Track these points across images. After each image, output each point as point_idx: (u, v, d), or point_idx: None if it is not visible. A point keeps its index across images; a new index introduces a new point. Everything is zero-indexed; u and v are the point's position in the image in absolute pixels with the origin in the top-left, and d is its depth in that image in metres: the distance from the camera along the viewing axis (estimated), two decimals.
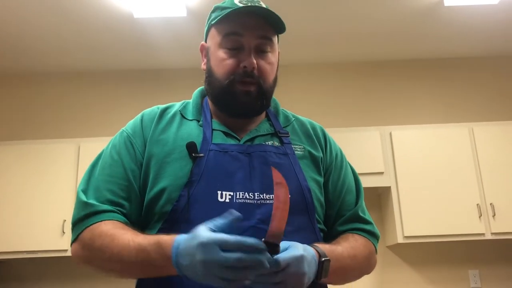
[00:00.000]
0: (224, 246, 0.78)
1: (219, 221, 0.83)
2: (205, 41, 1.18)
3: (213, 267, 0.78)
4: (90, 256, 0.99)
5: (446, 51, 4.01)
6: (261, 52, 1.09)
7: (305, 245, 0.91)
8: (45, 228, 3.31)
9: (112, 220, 0.99)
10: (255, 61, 1.06)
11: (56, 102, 4.02)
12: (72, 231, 1.03)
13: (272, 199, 1.00)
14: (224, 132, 1.10)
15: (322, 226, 1.11)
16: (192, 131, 1.09)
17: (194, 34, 3.27)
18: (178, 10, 3.18)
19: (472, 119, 3.83)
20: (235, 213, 0.83)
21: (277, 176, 0.85)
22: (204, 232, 0.81)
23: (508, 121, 3.66)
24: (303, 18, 3.41)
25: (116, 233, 0.95)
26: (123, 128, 1.15)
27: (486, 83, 4.06)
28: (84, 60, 3.91)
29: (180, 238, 0.86)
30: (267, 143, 1.10)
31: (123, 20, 3.33)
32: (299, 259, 0.84)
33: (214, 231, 0.82)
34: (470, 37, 3.79)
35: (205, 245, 0.79)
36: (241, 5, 1.07)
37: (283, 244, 0.85)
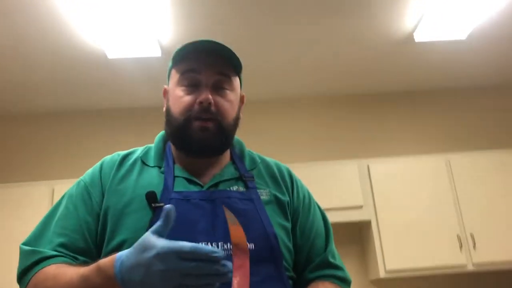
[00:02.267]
0: (180, 254, 0.75)
1: (158, 224, 0.80)
2: (168, 85, 1.17)
3: (174, 276, 0.75)
4: None
5: (420, 83, 4.09)
6: (219, 89, 1.08)
7: None
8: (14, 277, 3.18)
9: (57, 263, 0.94)
10: (211, 97, 1.04)
11: (29, 144, 3.95)
12: (19, 284, 0.98)
13: None
14: (186, 179, 1.07)
15: (291, 274, 1.07)
16: (152, 179, 1.06)
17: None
18: (152, 50, 3.19)
19: (449, 150, 3.88)
20: (167, 207, 0.80)
21: (229, 215, 0.82)
22: (157, 241, 0.77)
23: (484, 150, 3.71)
24: (277, 52, 3.45)
25: (59, 272, 0.91)
26: (81, 178, 1.11)
27: (460, 114, 4.13)
28: (57, 100, 3.87)
29: (122, 254, 0.82)
30: (231, 188, 1.07)
31: (96, 61, 3.32)
32: None
33: (161, 236, 0.79)
34: (442, 70, 3.88)
35: (162, 255, 0.75)
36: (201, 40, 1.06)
37: None
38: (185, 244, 0.75)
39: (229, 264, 0.77)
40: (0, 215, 3.36)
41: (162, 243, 0.77)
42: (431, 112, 4.14)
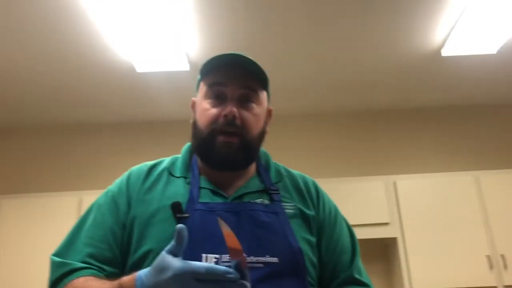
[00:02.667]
0: (196, 275, 0.76)
1: (172, 244, 0.82)
2: (196, 97, 1.18)
3: None
4: None
5: (449, 99, 4.02)
6: (245, 102, 1.08)
7: None
8: (45, 285, 3.23)
9: (85, 276, 0.96)
10: (236, 110, 1.04)
11: (58, 155, 4.04)
12: None
13: (260, 262, 0.96)
14: (211, 190, 1.07)
15: None
16: (178, 189, 1.06)
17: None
18: (180, 64, 3.24)
19: (478, 167, 3.79)
20: (178, 227, 0.81)
21: (222, 223, 0.83)
22: (173, 262, 0.79)
23: None
24: (304, 68, 3.46)
25: (86, 286, 0.93)
26: (108, 188, 1.12)
27: (490, 131, 4.04)
28: (86, 113, 3.96)
29: (141, 274, 0.84)
30: (256, 201, 1.06)
31: (125, 74, 3.39)
32: None
33: (175, 256, 0.80)
34: (471, 86, 3.81)
35: (178, 277, 0.77)
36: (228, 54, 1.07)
37: None
38: (200, 265, 0.77)
39: (246, 284, 0.78)
40: (29, 225, 3.43)
41: (178, 264, 0.78)
42: (459, 129, 4.06)
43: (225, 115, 1.04)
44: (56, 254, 1.03)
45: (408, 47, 3.23)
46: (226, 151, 1.04)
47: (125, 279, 0.88)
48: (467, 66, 3.49)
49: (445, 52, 3.24)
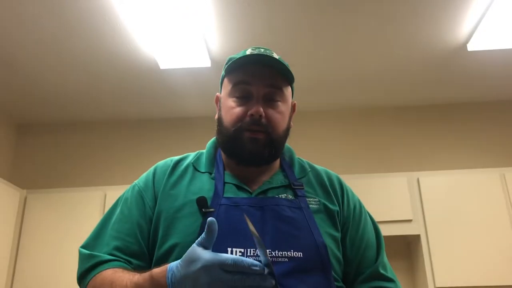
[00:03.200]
0: (224, 267, 0.79)
1: (203, 237, 0.84)
2: (220, 92, 1.19)
3: (220, 287, 0.79)
4: None
5: (473, 95, 3.95)
6: (270, 101, 1.09)
7: None
8: (72, 277, 3.30)
9: (113, 268, 0.99)
10: (262, 109, 1.06)
11: (83, 151, 4.11)
12: (80, 286, 1.03)
13: (284, 256, 0.97)
14: (236, 185, 1.08)
15: (340, 284, 1.05)
16: (203, 184, 1.08)
17: (218, 83, 3.32)
18: (202, 61, 3.26)
19: (503, 164, 3.71)
20: (209, 220, 0.84)
21: (250, 224, 0.85)
22: (203, 254, 0.82)
23: None
24: (326, 63, 3.44)
25: (115, 277, 0.95)
26: (135, 182, 1.15)
27: None
28: (110, 109, 4.02)
29: (172, 266, 0.86)
30: (280, 196, 1.07)
31: (149, 71, 3.43)
32: None
33: (206, 248, 0.83)
34: (497, 82, 3.73)
35: (207, 268, 0.80)
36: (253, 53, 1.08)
37: None
38: (228, 257, 0.80)
39: (270, 279, 0.81)
40: (54, 220, 3.50)
41: (207, 256, 0.81)
42: (485, 125, 3.99)
43: (251, 115, 1.06)
44: (84, 247, 1.06)
45: (433, 41, 3.17)
46: (253, 147, 1.06)
47: (157, 270, 0.89)
48: (493, 61, 3.41)
49: (471, 47, 3.18)
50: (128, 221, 1.06)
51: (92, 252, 1.02)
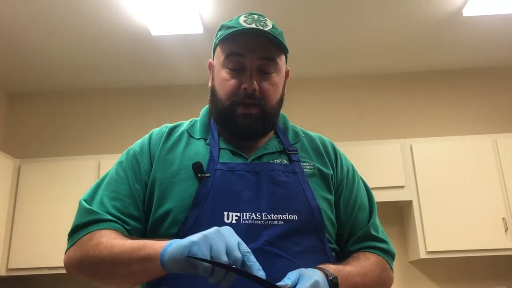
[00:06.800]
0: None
1: None
2: (213, 59, 1.18)
3: (221, 241, 0.80)
4: (83, 256, 0.96)
5: (466, 61, 3.94)
6: (263, 73, 1.08)
7: (311, 269, 0.89)
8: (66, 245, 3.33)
9: (112, 229, 0.99)
10: (255, 83, 1.05)
11: (77, 120, 4.09)
12: (71, 237, 1.02)
13: (280, 219, 0.98)
14: (231, 151, 1.09)
15: (334, 246, 1.08)
16: (199, 150, 1.08)
17: (210, 50, 3.28)
18: (194, 27, 3.21)
19: (495, 130, 3.74)
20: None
21: None
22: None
23: None
24: (319, 31, 3.41)
25: (115, 241, 0.94)
26: (130, 147, 1.15)
27: (509, 93, 3.97)
28: (102, 77, 3.98)
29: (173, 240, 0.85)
30: (275, 161, 1.08)
31: (141, 38, 3.37)
32: (316, 286, 0.83)
33: None
34: (492, 48, 3.72)
35: (221, 229, 0.82)
36: (245, 24, 1.06)
37: (291, 275, 0.85)
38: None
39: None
40: (48, 189, 3.51)
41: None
42: (477, 92, 3.99)
43: (245, 88, 1.05)
44: (85, 200, 1.05)
45: (428, 7, 3.14)
46: (246, 122, 1.06)
47: (152, 244, 0.88)
48: (488, 27, 3.39)
49: (466, 12, 3.15)
50: (124, 183, 1.06)
51: (93, 208, 1.02)
